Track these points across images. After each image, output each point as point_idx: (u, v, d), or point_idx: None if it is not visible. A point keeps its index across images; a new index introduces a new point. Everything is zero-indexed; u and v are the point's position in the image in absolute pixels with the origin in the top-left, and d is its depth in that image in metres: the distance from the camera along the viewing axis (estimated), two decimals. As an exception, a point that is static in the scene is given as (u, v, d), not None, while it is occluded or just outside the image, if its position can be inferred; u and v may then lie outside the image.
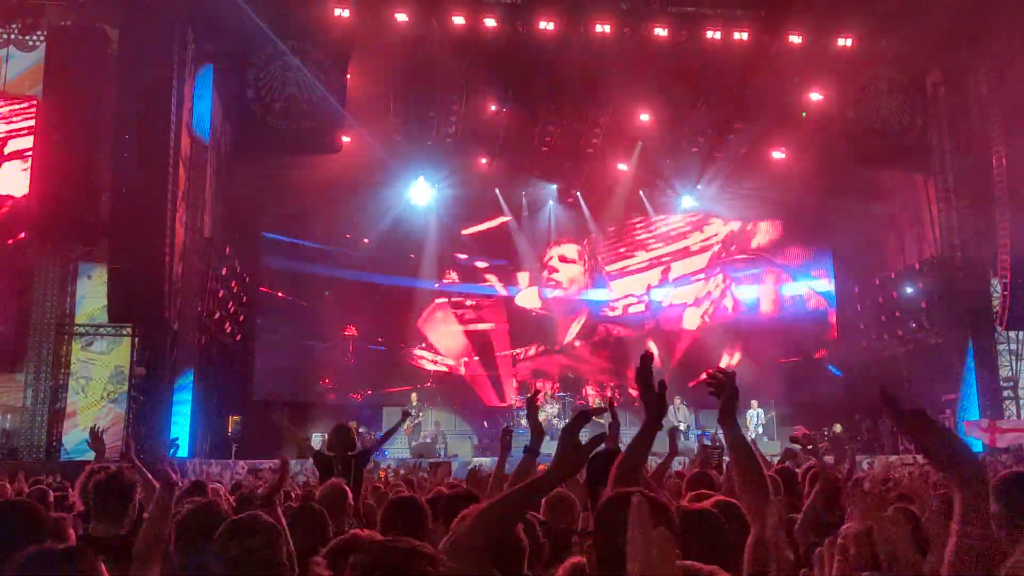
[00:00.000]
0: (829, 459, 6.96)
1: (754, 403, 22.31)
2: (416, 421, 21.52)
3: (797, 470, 6.45)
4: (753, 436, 21.36)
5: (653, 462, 6.45)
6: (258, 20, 18.33)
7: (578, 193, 26.19)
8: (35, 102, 17.56)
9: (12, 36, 17.58)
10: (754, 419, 21.96)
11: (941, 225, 20.40)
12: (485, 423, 23.72)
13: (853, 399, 23.32)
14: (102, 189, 16.76)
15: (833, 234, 24.91)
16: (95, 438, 6.55)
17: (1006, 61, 18.93)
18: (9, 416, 17.46)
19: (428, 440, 21.18)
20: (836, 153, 21.65)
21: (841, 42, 19.20)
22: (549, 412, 22.48)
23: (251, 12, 18.21)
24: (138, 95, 16.41)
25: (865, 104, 20.16)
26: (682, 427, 22.10)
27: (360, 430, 19.58)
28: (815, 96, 21.00)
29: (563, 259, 26.65)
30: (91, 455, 6.88)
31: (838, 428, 20.39)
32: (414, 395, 22.46)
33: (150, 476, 4.79)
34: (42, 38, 17.51)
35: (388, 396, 23.35)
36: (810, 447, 7.84)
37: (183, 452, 16.88)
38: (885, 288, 22.90)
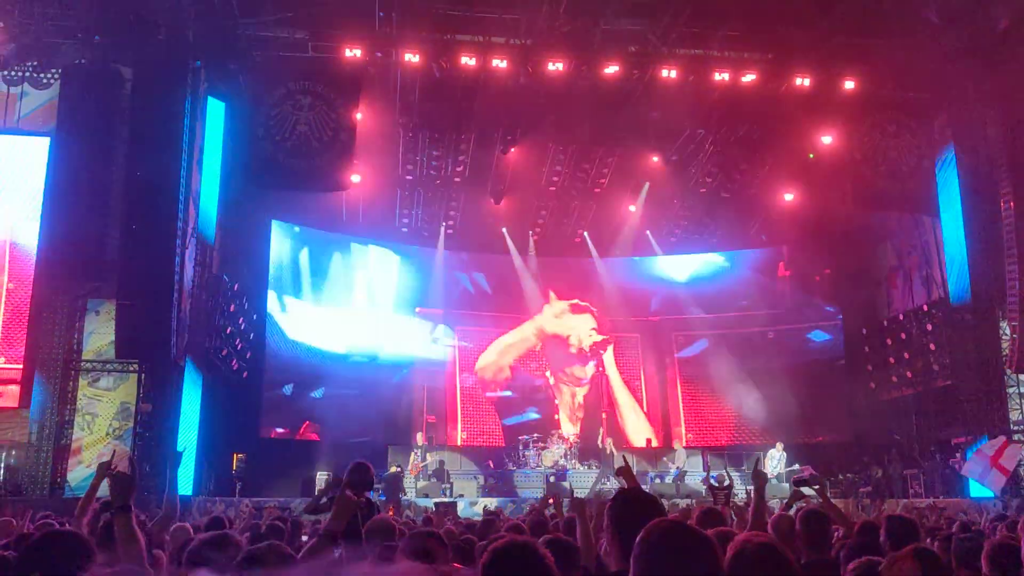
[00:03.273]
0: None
1: (779, 444, 22.16)
2: (424, 462, 21.44)
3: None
4: (773, 476, 21.29)
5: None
6: (269, 60, 18.57)
7: (585, 233, 26.29)
8: (48, 139, 17.71)
9: (27, 73, 17.77)
10: (774, 459, 21.83)
11: (949, 267, 20.36)
12: (490, 463, 23.60)
13: (862, 442, 23.15)
14: (112, 225, 16.84)
15: (841, 275, 24.90)
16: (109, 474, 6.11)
17: (1012, 103, 18.99)
18: (14, 452, 17.39)
19: (433, 480, 21.05)
20: (844, 194, 21.71)
21: (848, 84, 19.31)
22: (555, 453, 22.39)
23: (262, 52, 18.46)
24: (150, 133, 16.56)
25: (872, 146, 20.21)
26: (675, 472, 22.08)
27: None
28: (823, 138, 21.09)
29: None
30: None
31: (879, 473, 20.48)
32: (419, 435, 22.38)
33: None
34: (56, 76, 17.69)
35: (394, 435, 23.25)
36: (817, 487, 7.75)
37: (187, 491, 16.80)
38: (893, 329, 22.80)
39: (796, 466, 21.43)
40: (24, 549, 3.35)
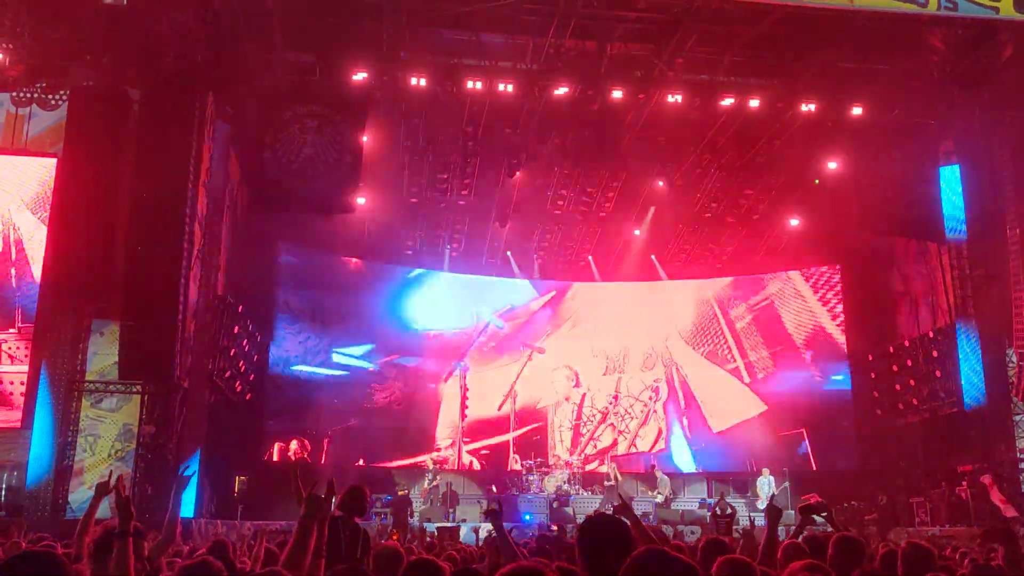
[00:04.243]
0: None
1: (765, 471, 22.11)
2: (433, 484, 21.38)
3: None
4: (765, 504, 21.15)
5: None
6: (277, 83, 18.64)
7: (590, 257, 26.30)
8: (55, 160, 17.76)
9: (36, 95, 17.85)
10: (765, 487, 21.77)
11: (956, 294, 20.29)
12: (494, 487, 23.47)
13: (867, 470, 22.99)
14: (118, 247, 16.84)
15: (846, 302, 24.82)
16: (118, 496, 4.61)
17: (1018, 130, 19.01)
18: (16, 473, 17.31)
19: (438, 504, 20.94)
20: (849, 220, 21.73)
21: (854, 110, 19.33)
22: (559, 478, 22.25)
23: (270, 75, 18.53)
24: (157, 155, 16.60)
25: (878, 172, 20.21)
26: (659, 499, 21.93)
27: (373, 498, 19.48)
28: (828, 163, 21.11)
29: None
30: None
31: (883, 500, 20.32)
32: (429, 459, 22.30)
33: None
34: (65, 97, 17.76)
35: (401, 457, 23.20)
36: (825, 515, 7.64)
37: (188, 513, 16.71)
38: (899, 356, 22.70)
39: (786, 484, 21.39)
40: None
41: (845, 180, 21.08)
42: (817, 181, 21.97)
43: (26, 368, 17.32)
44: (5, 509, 16.69)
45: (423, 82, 18.24)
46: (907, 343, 22.55)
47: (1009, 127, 19.28)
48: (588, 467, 24.22)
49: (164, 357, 16.21)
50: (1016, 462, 19.12)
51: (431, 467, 21.90)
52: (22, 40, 16.85)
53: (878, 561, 5.85)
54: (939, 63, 18.71)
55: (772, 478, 21.79)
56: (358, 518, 7.49)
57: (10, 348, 17.43)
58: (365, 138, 18.89)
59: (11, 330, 17.44)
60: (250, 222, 20.60)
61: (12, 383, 17.35)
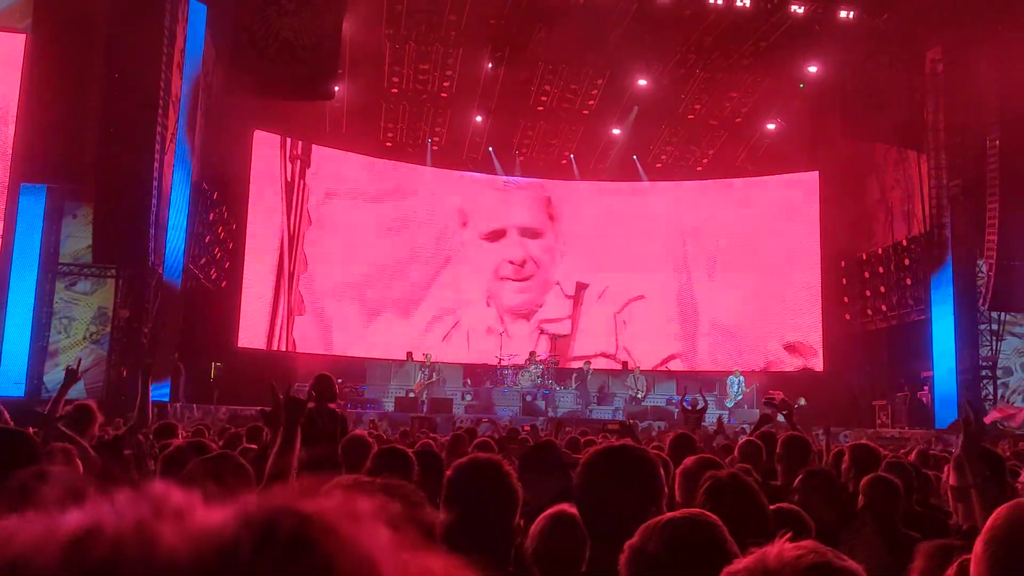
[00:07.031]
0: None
1: (736, 370, 22.55)
2: (431, 380, 21.48)
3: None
4: (732, 403, 21.62)
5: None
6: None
7: (571, 156, 26.12)
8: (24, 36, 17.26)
9: (2, -33, 17.24)
10: (734, 386, 22.19)
11: (931, 203, 20.41)
12: (468, 380, 23.78)
13: (835, 374, 23.48)
14: (90, 128, 16.53)
15: (823, 208, 24.89)
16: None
17: (1008, 43, 18.80)
18: (-10, 353, 17.36)
19: (411, 395, 21.21)
20: (831, 126, 21.66)
21: (843, 14, 19.05)
22: (533, 374, 22.55)
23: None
24: (129, 34, 16.13)
25: (863, 77, 20.05)
26: (639, 395, 22.35)
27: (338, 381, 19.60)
28: (813, 68, 20.90)
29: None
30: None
31: (802, 401, 20.60)
32: (426, 354, 22.23)
33: None
34: (33, -30, 17.17)
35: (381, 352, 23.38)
36: (786, 413, 7.84)
37: (163, 396, 16.89)
38: (872, 263, 22.96)
39: (755, 384, 21.80)
40: None
41: (829, 85, 20.91)
42: (802, 85, 21.79)
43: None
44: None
45: (405, -33, 17.76)
46: (880, 251, 22.79)
47: (999, 37, 19.04)
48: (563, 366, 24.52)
49: (138, 242, 16.07)
50: (978, 369, 19.61)
51: (428, 360, 21.89)
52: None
53: (830, 459, 6.06)
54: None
55: (742, 378, 22.25)
56: (331, 403, 7.61)
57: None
58: (345, 23, 18.44)
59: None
60: (225, 107, 20.20)
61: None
